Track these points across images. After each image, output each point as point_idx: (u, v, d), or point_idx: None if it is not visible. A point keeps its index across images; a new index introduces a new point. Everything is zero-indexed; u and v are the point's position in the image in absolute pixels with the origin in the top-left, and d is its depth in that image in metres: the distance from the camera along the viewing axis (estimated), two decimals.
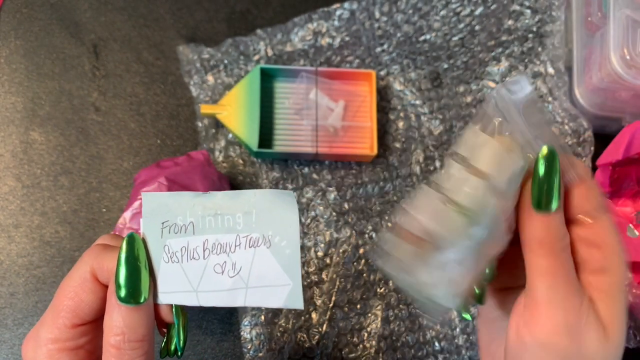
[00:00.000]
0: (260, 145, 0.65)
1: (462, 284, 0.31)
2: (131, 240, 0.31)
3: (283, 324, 0.62)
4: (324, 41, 0.69)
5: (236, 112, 0.65)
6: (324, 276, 0.64)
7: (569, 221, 0.32)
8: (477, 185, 0.30)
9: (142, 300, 0.31)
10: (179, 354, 0.34)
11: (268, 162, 0.67)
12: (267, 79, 0.67)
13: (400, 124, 0.69)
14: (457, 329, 0.63)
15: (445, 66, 0.70)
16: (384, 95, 0.69)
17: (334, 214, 0.66)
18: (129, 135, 0.68)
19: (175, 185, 0.57)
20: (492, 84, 0.69)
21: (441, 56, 0.70)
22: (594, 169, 0.66)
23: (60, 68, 0.69)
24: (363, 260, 0.64)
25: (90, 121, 0.68)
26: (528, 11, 0.70)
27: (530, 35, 0.70)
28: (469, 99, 0.69)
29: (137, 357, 0.32)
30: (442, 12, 0.70)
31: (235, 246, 0.31)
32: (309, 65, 0.69)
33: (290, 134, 0.67)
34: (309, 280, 0.64)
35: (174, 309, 0.33)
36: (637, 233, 0.65)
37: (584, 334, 0.32)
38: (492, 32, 0.70)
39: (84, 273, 0.32)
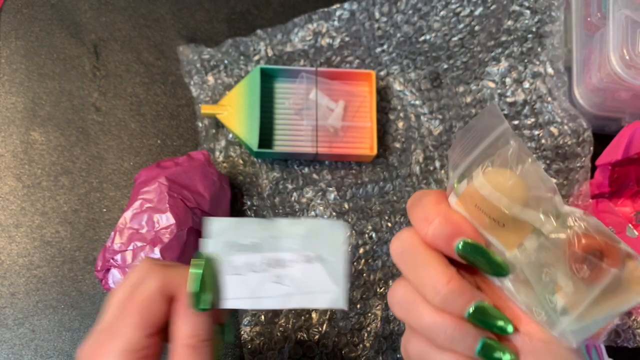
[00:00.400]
0: (261, 145, 0.65)
1: None
2: (200, 258, 0.36)
3: (283, 324, 0.63)
4: (324, 41, 0.70)
5: (236, 112, 0.65)
6: None
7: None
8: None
9: (210, 307, 0.36)
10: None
11: (268, 162, 0.67)
12: (267, 79, 0.67)
13: (400, 124, 0.69)
14: None
15: (445, 66, 0.70)
16: (383, 96, 0.69)
17: (334, 214, 0.66)
18: (130, 135, 0.68)
19: (175, 185, 0.57)
20: (491, 84, 0.70)
21: (441, 56, 0.70)
22: (594, 169, 0.66)
23: (61, 68, 0.69)
24: (363, 260, 0.65)
25: (90, 121, 0.68)
26: (527, 11, 0.70)
27: (530, 36, 0.70)
28: (468, 99, 0.69)
29: (209, 351, 0.36)
30: (442, 13, 0.70)
31: (292, 261, 0.38)
32: (309, 65, 0.69)
33: (290, 134, 0.67)
34: None
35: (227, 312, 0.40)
36: (636, 233, 0.65)
37: None
38: (491, 33, 0.70)
39: (153, 288, 0.36)
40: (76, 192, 0.66)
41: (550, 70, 0.69)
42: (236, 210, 0.66)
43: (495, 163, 0.29)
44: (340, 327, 0.63)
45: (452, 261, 0.31)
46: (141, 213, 0.56)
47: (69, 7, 0.71)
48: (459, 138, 0.31)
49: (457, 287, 0.30)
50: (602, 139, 0.67)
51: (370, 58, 0.70)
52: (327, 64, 0.69)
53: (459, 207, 0.30)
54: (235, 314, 0.64)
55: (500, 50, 0.70)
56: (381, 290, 0.64)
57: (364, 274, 0.64)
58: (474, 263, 0.30)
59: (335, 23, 0.70)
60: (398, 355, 0.63)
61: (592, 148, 0.67)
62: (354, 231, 0.65)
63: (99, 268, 0.57)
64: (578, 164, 0.67)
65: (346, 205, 0.66)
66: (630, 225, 0.65)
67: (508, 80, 0.69)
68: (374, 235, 0.65)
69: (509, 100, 0.69)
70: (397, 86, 0.69)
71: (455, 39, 0.70)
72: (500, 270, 0.30)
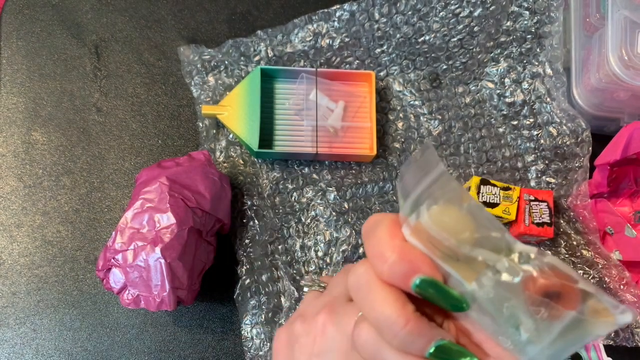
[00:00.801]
0: (261, 145, 0.65)
1: None
2: None
3: (283, 323, 0.63)
4: (324, 42, 0.70)
5: (237, 112, 0.65)
6: (323, 275, 0.65)
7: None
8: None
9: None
10: None
11: (268, 162, 0.67)
12: (268, 79, 0.68)
13: (400, 124, 0.69)
14: None
15: (444, 67, 0.70)
16: (383, 96, 0.70)
17: (333, 213, 0.66)
18: (131, 135, 0.68)
19: (176, 185, 0.57)
20: (490, 85, 0.70)
21: (440, 57, 0.70)
22: (592, 169, 0.66)
23: (62, 69, 0.70)
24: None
25: (91, 121, 0.68)
26: (527, 12, 0.70)
27: (529, 36, 0.70)
28: (467, 99, 0.69)
29: None
30: (441, 14, 0.70)
31: None
32: (309, 66, 0.69)
33: (290, 134, 0.67)
34: None
35: None
36: (635, 233, 0.65)
37: None
38: (490, 33, 0.70)
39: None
40: (77, 192, 0.67)
41: (549, 71, 0.69)
42: (237, 210, 0.66)
43: (440, 202, 0.28)
44: None
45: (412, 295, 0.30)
46: (142, 213, 0.56)
47: (70, 8, 0.71)
48: (405, 169, 0.30)
49: (415, 328, 0.29)
50: (600, 139, 0.67)
51: (370, 59, 0.70)
52: (327, 64, 0.70)
53: (413, 238, 0.29)
54: (237, 314, 0.64)
55: (499, 50, 0.70)
56: None
57: None
58: (432, 300, 0.29)
59: (335, 24, 0.70)
60: None
61: (590, 148, 0.67)
62: (353, 231, 0.65)
63: (100, 267, 0.57)
64: (577, 164, 0.67)
65: (346, 205, 0.66)
66: (628, 225, 0.65)
67: (507, 80, 0.70)
68: None
69: (508, 100, 0.69)
70: (396, 87, 0.70)
71: (454, 39, 0.70)
72: (459, 306, 0.29)
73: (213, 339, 0.64)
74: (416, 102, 0.69)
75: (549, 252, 0.27)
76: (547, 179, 0.68)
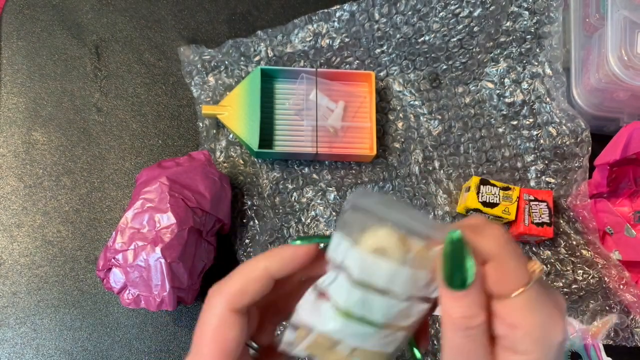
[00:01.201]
0: (261, 145, 0.65)
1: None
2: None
3: (284, 323, 0.63)
4: (324, 42, 0.70)
5: (237, 112, 0.65)
6: None
7: (488, 295, 0.30)
8: (356, 293, 0.29)
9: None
10: None
11: (268, 162, 0.67)
12: (268, 80, 0.68)
13: (400, 124, 0.69)
14: None
15: (444, 67, 0.70)
16: (383, 96, 0.70)
17: (333, 213, 0.66)
18: (131, 135, 0.69)
19: (176, 185, 0.57)
20: (490, 85, 0.70)
21: (440, 57, 0.70)
22: (592, 169, 0.66)
23: (62, 69, 0.70)
24: None
25: (92, 122, 0.69)
26: (526, 12, 0.70)
27: (529, 37, 0.70)
28: (467, 99, 0.69)
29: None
30: (441, 14, 0.70)
31: None
32: (309, 66, 0.70)
33: (290, 134, 0.67)
34: None
35: None
36: (634, 233, 0.65)
37: None
38: (490, 34, 0.70)
39: (220, 312, 0.34)
40: (77, 192, 0.67)
41: (548, 71, 0.69)
42: (237, 210, 0.66)
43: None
44: None
45: None
46: (142, 213, 0.56)
47: (70, 8, 0.71)
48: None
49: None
50: (600, 139, 0.67)
51: (370, 59, 0.70)
52: (327, 64, 0.70)
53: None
54: None
55: (499, 51, 0.70)
56: None
57: None
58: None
59: (335, 24, 0.70)
60: (397, 354, 0.63)
61: (590, 148, 0.67)
62: None
63: (100, 267, 0.57)
64: (576, 164, 0.67)
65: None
66: (628, 224, 0.65)
67: (507, 80, 0.70)
68: None
69: (507, 100, 0.69)
70: (396, 87, 0.70)
71: (454, 39, 0.70)
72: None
73: None
74: (416, 102, 0.69)
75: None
76: (547, 179, 0.68)
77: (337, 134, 0.67)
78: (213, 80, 0.69)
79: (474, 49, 0.70)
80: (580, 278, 0.66)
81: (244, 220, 0.66)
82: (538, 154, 0.68)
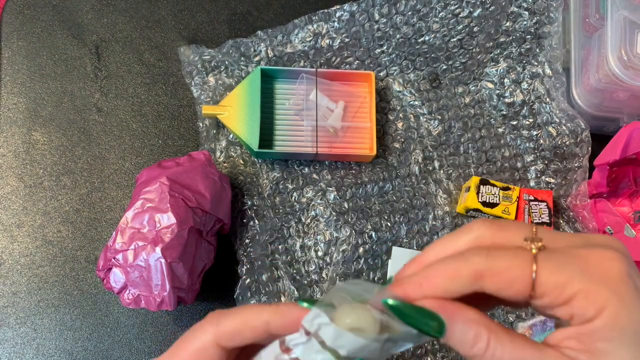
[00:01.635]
0: (261, 145, 0.65)
1: None
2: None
3: None
4: (324, 42, 0.70)
5: (237, 112, 0.65)
6: (324, 275, 0.65)
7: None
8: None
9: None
10: None
11: (269, 162, 0.67)
12: (268, 80, 0.68)
13: (400, 124, 0.69)
14: None
15: (444, 67, 0.70)
16: (383, 96, 0.70)
17: (333, 213, 0.66)
18: (131, 135, 0.69)
19: (176, 184, 0.57)
20: (490, 85, 0.70)
21: (440, 57, 0.70)
22: (592, 169, 0.67)
23: (62, 69, 0.70)
24: (362, 259, 0.65)
25: (92, 122, 0.69)
26: (526, 13, 0.70)
27: (528, 37, 0.70)
28: (467, 99, 0.70)
29: None
30: (441, 14, 0.71)
31: None
32: (309, 66, 0.70)
33: (290, 134, 0.67)
34: (309, 279, 0.65)
35: None
36: (634, 233, 0.65)
37: None
38: (490, 34, 0.70)
39: (206, 341, 0.33)
40: (78, 192, 0.67)
41: (548, 71, 0.69)
42: (237, 210, 0.66)
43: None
44: None
45: None
46: (142, 213, 0.56)
47: (70, 8, 0.71)
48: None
49: None
50: (600, 139, 0.67)
51: (370, 59, 0.70)
52: (327, 64, 0.70)
53: None
54: None
55: (498, 51, 0.70)
56: None
57: (364, 273, 0.65)
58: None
59: (335, 24, 0.70)
60: (397, 354, 0.63)
61: (590, 148, 0.67)
62: (353, 231, 0.65)
63: (100, 267, 0.57)
64: (576, 164, 0.67)
65: (346, 205, 0.66)
66: (628, 224, 0.65)
67: (507, 81, 0.70)
68: (373, 234, 0.66)
69: (507, 100, 0.69)
70: (396, 87, 0.70)
71: (454, 40, 0.70)
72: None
73: None
74: (416, 102, 0.69)
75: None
76: (547, 179, 0.68)
77: (337, 134, 0.67)
78: (213, 80, 0.69)
79: (474, 49, 0.70)
80: None
81: (244, 220, 0.66)
82: (538, 154, 0.68)
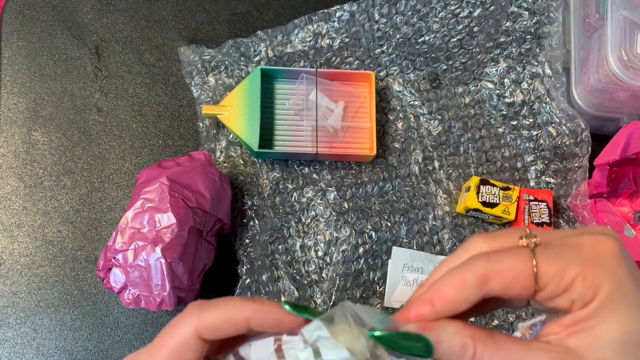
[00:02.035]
0: (261, 145, 0.65)
1: None
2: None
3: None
4: (324, 42, 0.70)
5: (237, 112, 0.65)
6: (324, 275, 0.65)
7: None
8: None
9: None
10: None
11: (269, 162, 0.67)
12: (268, 80, 0.68)
13: (400, 124, 0.69)
14: None
15: (444, 67, 0.70)
16: (383, 96, 0.70)
17: (333, 213, 0.66)
18: (131, 135, 0.69)
19: (176, 184, 0.57)
20: (490, 85, 0.70)
21: (440, 57, 0.70)
22: (592, 169, 0.67)
23: (63, 69, 0.70)
24: (362, 259, 0.65)
25: (92, 122, 0.69)
26: (526, 13, 0.70)
27: (528, 37, 0.70)
28: (467, 99, 0.70)
29: None
30: (441, 14, 0.71)
31: None
32: (309, 66, 0.70)
33: (290, 134, 0.67)
34: (309, 279, 0.65)
35: None
36: (634, 233, 0.65)
37: None
38: (490, 34, 0.70)
39: (187, 333, 0.33)
40: (78, 192, 0.67)
41: (548, 71, 0.69)
42: (237, 210, 0.66)
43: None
44: None
45: None
46: (142, 213, 0.56)
47: (70, 8, 0.71)
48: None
49: None
50: (600, 139, 0.67)
51: (370, 59, 0.70)
52: (327, 64, 0.70)
53: None
54: None
55: (498, 51, 0.70)
56: (380, 289, 0.65)
57: (364, 273, 0.65)
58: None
59: (335, 24, 0.70)
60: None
61: (590, 148, 0.67)
62: (353, 231, 0.65)
63: (100, 267, 0.57)
64: (576, 164, 0.67)
65: (346, 205, 0.66)
66: (628, 225, 0.65)
67: (507, 81, 0.70)
68: (373, 234, 0.66)
69: (507, 100, 0.69)
70: (396, 87, 0.70)
71: (454, 40, 0.70)
72: None
73: None
74: (416, 102, 0.69)
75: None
76: (547, 179, 0.68)
77: (337, 134, 0.67)
78: (213, 80, 0.69)
79: (474, 49, 0.70)
80: None
81: (244, 220, 0.66)
82: (538, 154, 0.68)
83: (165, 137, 0.69)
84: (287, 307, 0.32)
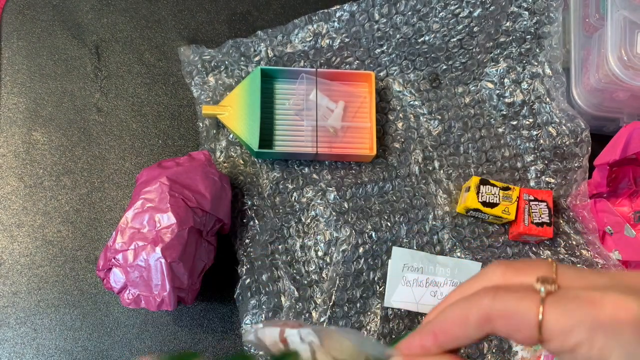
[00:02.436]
0: (261, 145, 0.65)
1: None
2: None
3: None
4: (324, 42, 0.70)
5: (237, 112, 0.65)
6: (324, 275, 0.65)
7: None
8: None
9: None
10: None
11: (269, 162, 0.67)
12: (268, 80, 0.68)
13: (400, 124, 0.69)
14: None
15: (444, 67, 0.70)
16: (383, 96, 0.70)
17: (333, 213, 0.66)
18: (131, 135, 0.69)
19: (176, 184, 0.57)
20: (490, 85, 0.70)
21: (440, 57, 0.70)
22: (592, 169, 0.67)
23: (63, 69, 0.70)
24: (362, 259, 0.65)
25: (92, 122, 0.69)
26: (526, 13, 0.70)
27: (528, 37, 0.70)
28: (467, 99, 0.70)
29: None
30: (441, 14, 0.71)
31: (443, 283, 0.64)
32: (309, 66, 0.70)
33: (290, 134, 0.67)
34: (309, 279, 0.65)
35: None
36: (634, 233, 0.65)
37: None
38: (490, 34, 0.70)
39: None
40: (78, 192, 0.67)
41: (548, 71, 0.69)
42: (237, 210, 0.66)
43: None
44: (340, 325, 0.63)
45: None
46: (142, 213, 0.56)
47: (70, 8, 0.71)
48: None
49: None
50: (600, 139, 0.67)
51: (370, 59, 0.70)
52: (327, 64, 0.70)
53: None
54: (237, 313, 0.65)
55: (498, 51, 0.70)
56: (380, 289, 0.65)
57: (364, 273, 0.65)
58: None
59: (335, 24, 0.70)
60: None
61: (590, 148, 0.67)
62: (353, 231, 0.65)
63: (100, 267, 0.57)
64: (576, 164, 0.67)
65: (346, 205, 0.66)
66: (628, 224, 0.65)
67: (507, 81, 0.70)
68: (373, 234, 0.66)
69: (507, 100, 0.69)
70: (396, 87, 0.70)
71: (454, 40, 0.70)
72: None
73: (213, 338, 0.64)
74: (416, 102, 0.69)
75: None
76: (547, 179, 0.68)
77: (337, 134, 0.67)
78: (213, 80, 0.69)
79: (474, 49, 0.70)
80: None
81: (244, 220, 0.66)
82: (538, 154, 0.68)
83: (165, 137, 0.69)
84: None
